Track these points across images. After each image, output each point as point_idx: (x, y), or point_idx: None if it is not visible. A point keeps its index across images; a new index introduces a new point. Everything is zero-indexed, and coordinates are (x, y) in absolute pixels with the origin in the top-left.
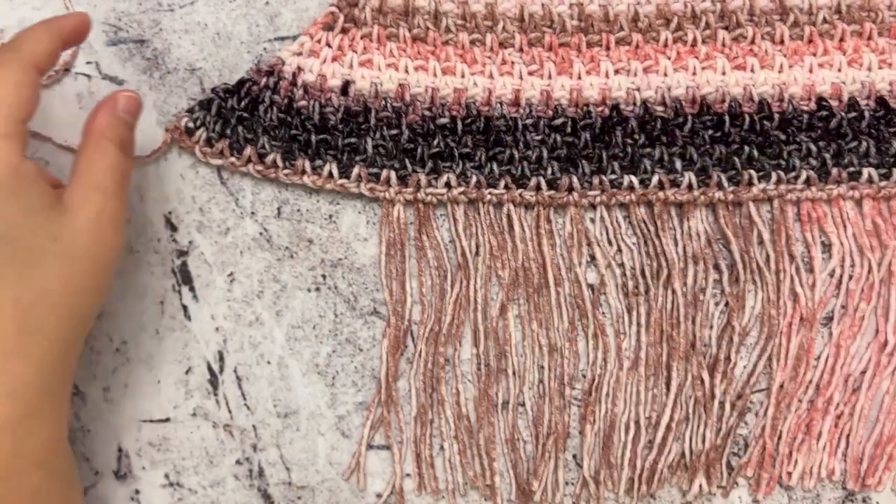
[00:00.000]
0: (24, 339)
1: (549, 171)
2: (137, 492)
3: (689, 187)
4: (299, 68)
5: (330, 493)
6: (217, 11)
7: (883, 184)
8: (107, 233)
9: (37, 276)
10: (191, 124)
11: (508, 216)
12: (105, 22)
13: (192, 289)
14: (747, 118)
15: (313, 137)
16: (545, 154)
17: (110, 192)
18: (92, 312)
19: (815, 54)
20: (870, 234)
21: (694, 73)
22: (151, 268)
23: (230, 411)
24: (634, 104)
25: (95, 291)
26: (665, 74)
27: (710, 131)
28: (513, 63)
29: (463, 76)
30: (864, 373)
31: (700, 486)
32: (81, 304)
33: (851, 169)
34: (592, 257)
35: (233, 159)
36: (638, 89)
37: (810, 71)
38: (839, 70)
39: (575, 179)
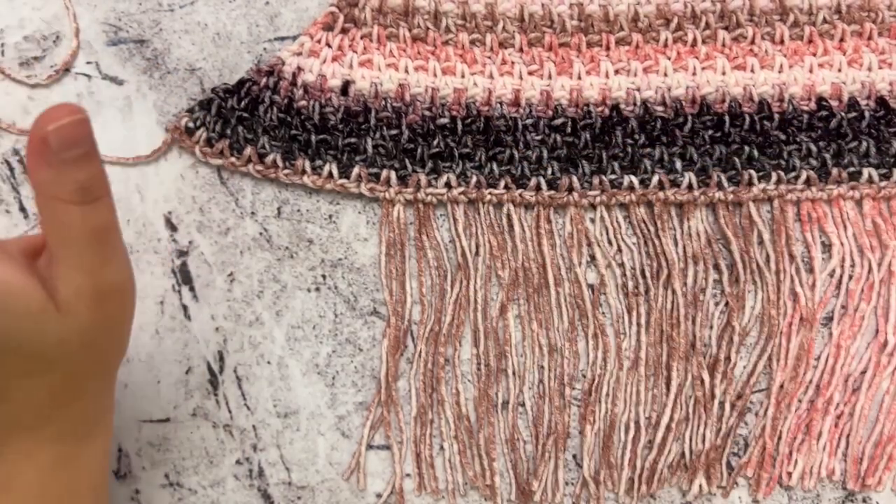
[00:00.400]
0: (63, 401)
1: (549, 171)
2: (137, 492)
3: (689, 187)
4: (299, 68)
5: (330, 493)
6: (217, 11)
7: (883, 184)
8: (112, 310)
9: (57, 369)
10: (191, 124)
11: (508, 216)
12: (105, 22)
13: (192, 289)
14: (747, 118)
15: (313, 137)
16: (545, 154)
17: (97, 266)
18: (123, 352)
19: (815, 54)
20: (870, 234)
21: (694, 73)
22: (151, 268)
23: (230, 411)
24: (634, 104)
25: (121, 344)
26: (665, 74)
27: (710, 131)
28: (513, 63)
29: (463, 76)
30: (864, 373)
31: (700, 486)
32: (110, 360)
33: (851, 169)
34: (592, 257)
35: (233, 159)
36: (638, 89)
37: (810, 71)
38: (839, 70)
39: (575, 179)
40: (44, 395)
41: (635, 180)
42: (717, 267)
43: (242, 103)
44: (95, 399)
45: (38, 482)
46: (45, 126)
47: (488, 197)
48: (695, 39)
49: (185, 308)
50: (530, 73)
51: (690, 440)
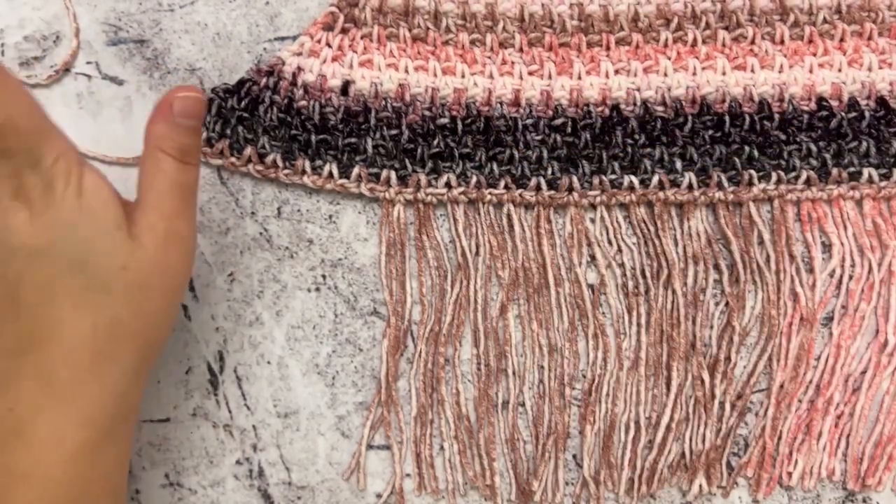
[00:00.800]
0: (98, 366)
1: (549, 171)
2: (137, 492)
3: (690, 187)
4: (299, 68)
5: (330, 493)
6: (217, 11)
7: (883, 184)
8: (174, 259)
9: (109, 304)
10: None
11: (508, 216)
12: (105, 22)
13: (192, 289)
14: (747, 118)
15: (313, 137)
16: (545, 154)
17: (173, 213)
18: (163, 337)
19: (815, 54)
20: (870, 234)
21: (694, 73)
22: None
23: (230, 411)
24: (634, 104)
25: (165, 317)
26: (665, 74)
27: (711, 131)
28: (513, 63)
29: (463, 76)
30: (864, 373)
31: (700, 486)
32: (152, 331)
33: (852, 169)
34: (592, 257)
35: (233, 159)
36: (638, 89)
37: (810, 71)
38: (839, 70)
39: (575, 179)
40: (87, 341)
41: (635, 180)
42: (717, 267)
43: (242, 103)
44: (125, 385)
45: (61, 472)
46: (175, 94)
47: (488, 197)
48: (695, 39)
49: (185, 308)
50: (530, 73)
51: (690, 440)
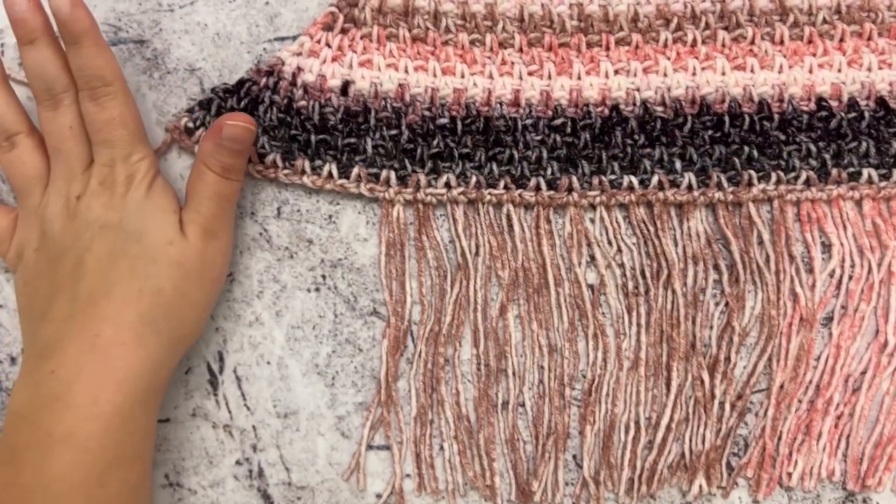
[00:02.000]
0: (141, 329)
1: (549, 172)
2: None
3: (689, 187)
4: (299, 68)
5: (330, 494)
6: (217, 11)
7: (883, 184)
8: (210, 252)
9: (154, 273)
10: (191, 124)
11: (508, 216)
12: (105, 22)
13: None
14: (747, 118)
15: (313, 137)
16: (545, 154)
17: (209, 215)
18: (196, 327)
19: (814, 55)
20: (870, 234)
21: (694, 74)
22: None
23: (230, 411)
24: (634, 104)
25: (200, 305)
26: (665, 75)
27: (710, 132)
28: (512, 63)
29: (463, 76)
30: (864, 373)
31: (700, 486)
32: (188, 312)
33: (851, 169)
34: (592, 257)
35: None
36: (638, 89)
37: (810, 71)
38: (839, 70)
39: (575, 180)
40: (133, 303)
41: (635, 180)
42: (717, 267)
43: (242, 103)
44: (160, 357)
45: (97, 435)
46: (226, 120)
47: (488, 197)
48: (694, 40)
49: None
50: (530, 74)
51: (690, 440)
